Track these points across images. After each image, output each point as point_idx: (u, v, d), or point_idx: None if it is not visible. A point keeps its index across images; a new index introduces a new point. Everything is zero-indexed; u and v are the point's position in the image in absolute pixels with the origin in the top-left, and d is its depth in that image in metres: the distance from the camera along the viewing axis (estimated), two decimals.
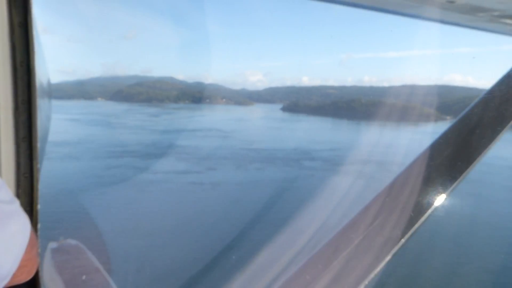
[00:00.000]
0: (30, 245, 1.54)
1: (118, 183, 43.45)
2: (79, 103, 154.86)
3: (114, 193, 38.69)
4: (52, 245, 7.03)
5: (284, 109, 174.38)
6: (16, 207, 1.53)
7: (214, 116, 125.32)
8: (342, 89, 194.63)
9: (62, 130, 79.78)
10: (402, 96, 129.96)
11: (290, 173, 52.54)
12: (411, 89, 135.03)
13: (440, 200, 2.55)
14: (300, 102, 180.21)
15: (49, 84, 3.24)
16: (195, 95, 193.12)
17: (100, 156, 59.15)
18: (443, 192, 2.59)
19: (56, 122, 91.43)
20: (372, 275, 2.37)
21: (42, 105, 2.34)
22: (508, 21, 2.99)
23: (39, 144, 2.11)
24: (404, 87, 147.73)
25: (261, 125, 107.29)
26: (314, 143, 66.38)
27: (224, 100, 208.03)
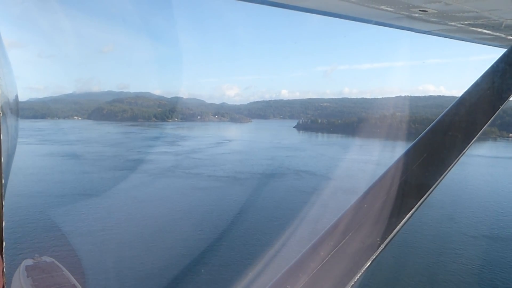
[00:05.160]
0: None
1: None
2: (56, 123, 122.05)
3: None
4: (28, 262, 9.72)
5: (299, 127, 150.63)
6: None
7: (246, 144, 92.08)
8: (336, 101, 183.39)
9: (70, 195, 42.20)
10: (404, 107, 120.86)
11: None
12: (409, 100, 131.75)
13: (416, 205, 2.85)
14: (313, 118, 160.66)
15: (16, 98, 3.09)
16: (183, 112, 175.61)
17: None
18: (419, 198, 2.89)
19: (48, 164, 57.12)
20: (352, 282, 2.61)
21: (8, 118, 2.24)
22: (478, 29, 3.03)
23: (4, 159, 2.01)
24: (399, 98, 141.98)
25: (343, 158, 76.09)
26: None
27: (216, 116, 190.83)
